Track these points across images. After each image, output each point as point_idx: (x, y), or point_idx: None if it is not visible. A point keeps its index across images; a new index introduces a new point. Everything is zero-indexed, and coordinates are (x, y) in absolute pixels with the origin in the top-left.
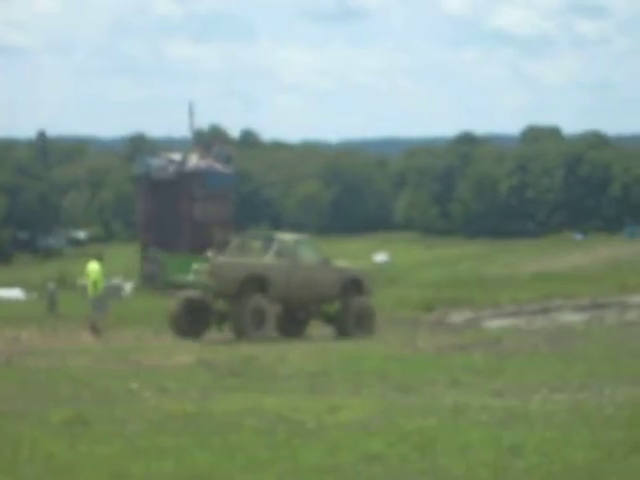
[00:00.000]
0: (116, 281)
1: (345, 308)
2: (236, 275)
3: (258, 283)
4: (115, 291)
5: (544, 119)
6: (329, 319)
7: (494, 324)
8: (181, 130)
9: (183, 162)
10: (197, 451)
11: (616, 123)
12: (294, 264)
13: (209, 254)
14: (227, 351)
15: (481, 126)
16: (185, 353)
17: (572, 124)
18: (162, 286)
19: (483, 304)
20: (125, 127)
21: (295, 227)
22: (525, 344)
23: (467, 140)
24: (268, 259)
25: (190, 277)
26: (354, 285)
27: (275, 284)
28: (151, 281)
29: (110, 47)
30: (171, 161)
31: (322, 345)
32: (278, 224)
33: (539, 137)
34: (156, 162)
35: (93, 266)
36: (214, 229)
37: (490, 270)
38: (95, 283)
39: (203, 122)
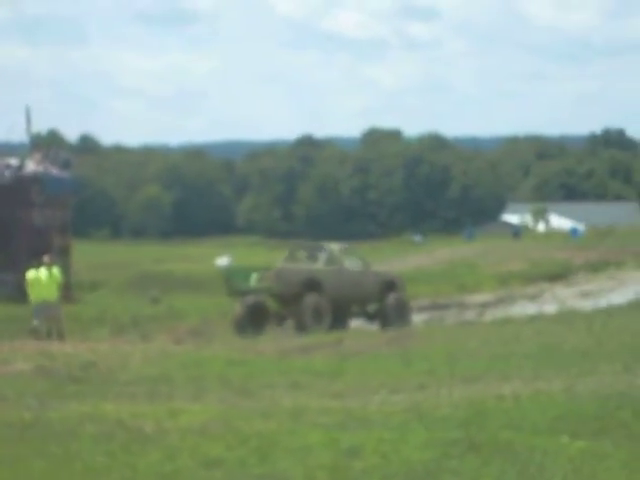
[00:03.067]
0: None
1: (385, 304)
2: (297, 279)
3: (314, 285)
4: None
5: (385, 121)
6: (370, 317)
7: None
8: (18, 135)
9: (20, 167)
10: (34, 460)
11: (453, 125)
12: (341, 269)
13: (45, 259)
14: (66, 357)
15: (322, 129)
16: (23, 360)
17: (412, 126)
18: (229, 294)
19: None
20: None
21: (136, 231)
22: (366, 345)
23: (308, 143)
24: (320, 265)
25: (252, 284)
26: (389, 285)
27: (328, 286)
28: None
29: None
30: (8, 166)
31: (163, 350)
32: (119, 229)
33: (379, 139)
34: None
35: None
36: (53, 235)
37: None
38: (59, 287)
39: (41, 127)
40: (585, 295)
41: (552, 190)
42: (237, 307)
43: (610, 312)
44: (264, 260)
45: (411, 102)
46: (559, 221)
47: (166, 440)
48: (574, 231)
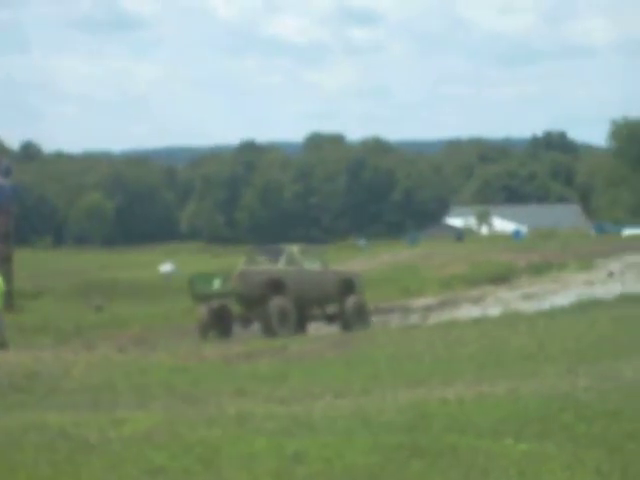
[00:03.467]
0: None
1: (344, 306)
2: (260, 279)
3: (277, 286)
4: None
5: (327, 126)
6: (329, 319)
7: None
8: None
9: None
10: None
11: (396, 129)
12: (302, 269)
13: None
14: (9, 367)
15: (265, 134)
16: None
17: (355, 131)
18: (193, 299)
19: None
20: None
21: (79, 239)
22: (311, 350)
23: (251, 148)
24: (281, 266)
25: (215, 288)
26: (348, 285)
27: (290, 286)
28: None
29: None
30: None
31: (107, 358)
32: (61, 236)
33: (322, 144)
34: None
35: None
36: None
37: None
38: (2, 295)
39: None
40: (528, 297)
41: (495, 193)
42: (202, 312)
43: (553, 314)
44: (209, 266)
45: (353, 106)
46: (502, 224)
47: (110, 449)
48: (517, 233)
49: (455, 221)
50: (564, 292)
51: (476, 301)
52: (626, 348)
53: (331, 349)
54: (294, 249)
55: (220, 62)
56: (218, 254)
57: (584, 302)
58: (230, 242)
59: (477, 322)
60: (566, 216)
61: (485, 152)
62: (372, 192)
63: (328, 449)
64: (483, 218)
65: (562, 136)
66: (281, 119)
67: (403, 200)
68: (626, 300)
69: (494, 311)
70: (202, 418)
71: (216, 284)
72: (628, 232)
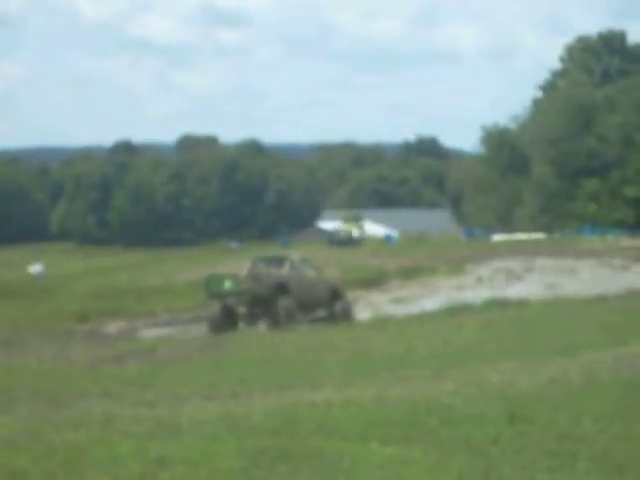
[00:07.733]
0: None
1: (334, 309)
2: (271, 282)
3: (283, 288)
4: None
5: (199, 128)
6: (319, 320)
7: (149, 334)
8: None
9: None
10: None
11: (269, 132)
12: (301, 276)
13: None
14: None
15: (137, 135)
16: None
17: (227, 133)
18: (209, 297)
19: (139, 314)
20: None
21: None
22: (179, 353)
23: (124, 149)
24: (285, 271)
25: (227, 288)
26: (336, 292)
27: (293, 289)
28: None
29: None
30: None
31: None
32: None
33: (195, 145)
34: None
35: None
36: None
37: (146, 279)
38: None
39: None
40: (398, 301)
41: (367, 197)
42: (215, 308)
43: (422, 319)
44: (79, 267)
45: (225, 109)
46: (373, 228)
47: None
48: (388, 238)
49: (327, 225)
50: (434, 296)
51: None
52: (492, 353)
53: (200, 352)
54: (295, 258)
55: (88, 62)
56: (88, 255)
57: (453, 307)
58: (101, 243)
59: (347, 326)
60: (437, 221)
61: (358, 156)
62: (245, 195)
63: (193, 453)
64: (354, 222)
65: (433, 142)
66: (153, 120)
67: (276, 203)
68: (494, 305)
69: (364, 315)
70: (67, 421)
71: (227, 284)
72: (497, 238)
